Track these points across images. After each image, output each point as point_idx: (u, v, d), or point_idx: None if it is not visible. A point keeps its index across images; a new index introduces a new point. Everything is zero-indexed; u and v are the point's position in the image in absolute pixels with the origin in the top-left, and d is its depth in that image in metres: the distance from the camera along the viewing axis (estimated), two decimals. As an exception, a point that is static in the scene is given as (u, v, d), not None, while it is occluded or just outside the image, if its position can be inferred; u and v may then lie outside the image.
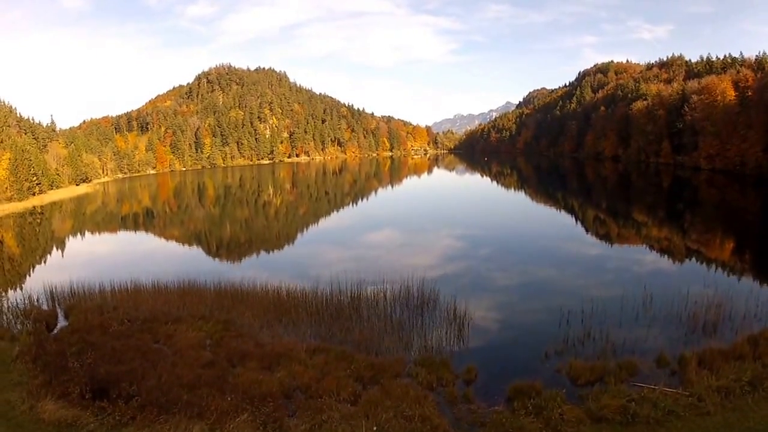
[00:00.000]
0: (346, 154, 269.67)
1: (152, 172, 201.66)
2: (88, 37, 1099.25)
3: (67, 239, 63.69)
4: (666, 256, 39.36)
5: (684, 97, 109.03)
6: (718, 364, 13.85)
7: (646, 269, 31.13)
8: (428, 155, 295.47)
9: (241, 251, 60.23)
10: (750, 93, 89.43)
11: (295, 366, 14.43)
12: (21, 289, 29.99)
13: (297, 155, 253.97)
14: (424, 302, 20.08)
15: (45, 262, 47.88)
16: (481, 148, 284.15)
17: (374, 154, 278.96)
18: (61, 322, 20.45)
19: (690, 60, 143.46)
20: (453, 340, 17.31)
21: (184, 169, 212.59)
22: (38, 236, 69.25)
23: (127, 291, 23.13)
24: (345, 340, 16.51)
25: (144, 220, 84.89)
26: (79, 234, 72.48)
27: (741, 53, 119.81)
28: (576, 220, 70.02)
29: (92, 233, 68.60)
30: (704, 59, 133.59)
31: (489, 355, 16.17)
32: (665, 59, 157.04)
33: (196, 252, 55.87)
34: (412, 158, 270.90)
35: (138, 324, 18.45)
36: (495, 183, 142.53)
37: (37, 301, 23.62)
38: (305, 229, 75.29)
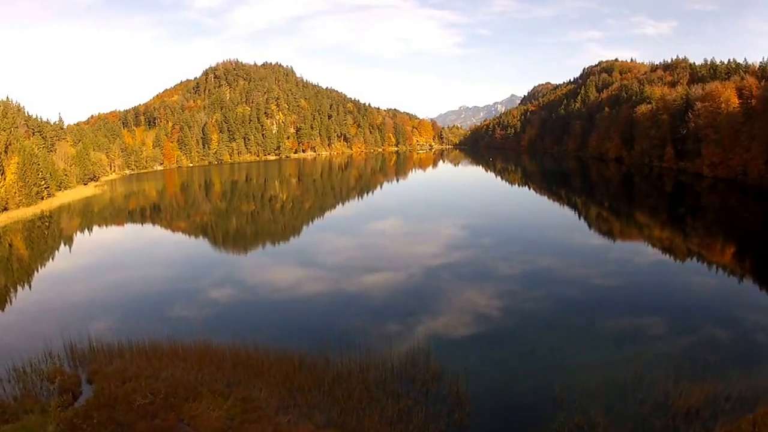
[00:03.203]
0: (352, 149, 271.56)
1: (159, 168, 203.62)
2: (97, 29, 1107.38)
3: (76, 247, 66.44)
4: (666, 255, 41.42)
5: (688, 103, 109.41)
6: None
7: (642, 299, 32.58)
8: (433, 150, 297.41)
9: (247, 244, 68.29)
10: (754, 102, 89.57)
11: (310, 462, 15.80)
12: (37, 327, 31.63)
13: (303, 151, 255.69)
14: (429, 376, 21.39)
15: (56, 279, 49.74)
16: (486, 144, 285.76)
17: (380, 150, 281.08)
18: (85, 389, 21.81)
19: (694, 63, 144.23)
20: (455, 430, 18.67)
21: (191, 165, 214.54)
22: (48, 240, 71.73)
23: (145, 352, 24.52)
24: (356, 430, 17.78)
25: (154, 222, 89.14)
26: (88, 233, 77.08)
27: (745, 59, 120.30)
28: (579, 216, 76.02)
29: (102, 242, 70.94)
30: (708, 63, 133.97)
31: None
32: (669, 61, 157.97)
33: (204, 256, 60.28)
34: (418, 153, 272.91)
35: (161, 398, 19.82)
36: (499, 178, 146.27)
37: (58, 358, 25.06)
38: (311, 222, 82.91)
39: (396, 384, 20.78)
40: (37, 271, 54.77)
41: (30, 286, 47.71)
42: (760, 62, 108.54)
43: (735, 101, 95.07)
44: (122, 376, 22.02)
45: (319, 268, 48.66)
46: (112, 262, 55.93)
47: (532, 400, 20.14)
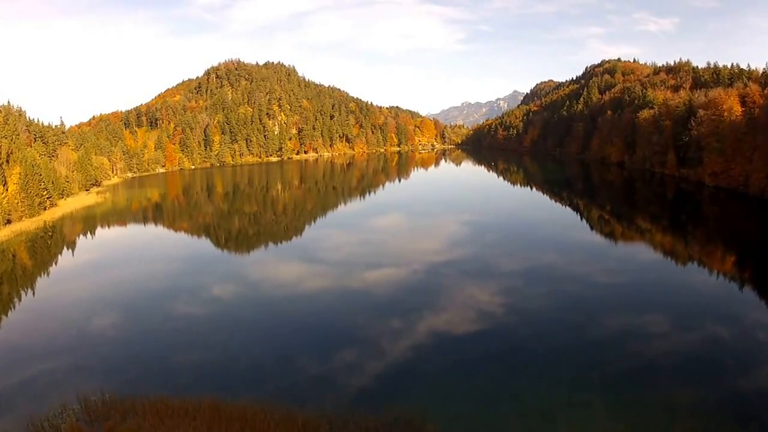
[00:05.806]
0: (354, 150, 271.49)
1: (161, 170, 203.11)
2: (99, 27, 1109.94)
3: (80, 256, 68.47)
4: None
5: (691, 110, 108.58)
6: None
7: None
8: (435, 150, 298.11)
9: (250, 243, 73.47)
10: (757, 111, 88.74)
11: None
12: (48, 367, 32.09)
13: (305, 152, 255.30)
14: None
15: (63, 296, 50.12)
16: (488, 144, 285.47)
17: (382, 150, 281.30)
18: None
19: (697, 66, 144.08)
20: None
21: (193, 167, 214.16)
22: (52, 255, 71.98)
23: (156, 408, 24.76)
24: None
25: (158, 228, 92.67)
26: (92, 240, 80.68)
27: (748, 65, 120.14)
28: (581, 218, 79.38)
29: (106, 254, 71.42)
30: (711, 66, 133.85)
31: None
32: (672, 63, 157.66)
33: (207, 257, 64.70)
34: (420, 153, 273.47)
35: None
36: (501, 178, 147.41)
37: (73, 412, 25.34)
38: (314, 222, 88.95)
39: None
40: (40, 277, 56.70)
41: (35, 293, 49.93)
42: (764, 68, 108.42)
43: (738, 109, 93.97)
44: (138, 438, 22.39)
45: (321, 265, 54.22)
46: (119, 271, 57.40)
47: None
